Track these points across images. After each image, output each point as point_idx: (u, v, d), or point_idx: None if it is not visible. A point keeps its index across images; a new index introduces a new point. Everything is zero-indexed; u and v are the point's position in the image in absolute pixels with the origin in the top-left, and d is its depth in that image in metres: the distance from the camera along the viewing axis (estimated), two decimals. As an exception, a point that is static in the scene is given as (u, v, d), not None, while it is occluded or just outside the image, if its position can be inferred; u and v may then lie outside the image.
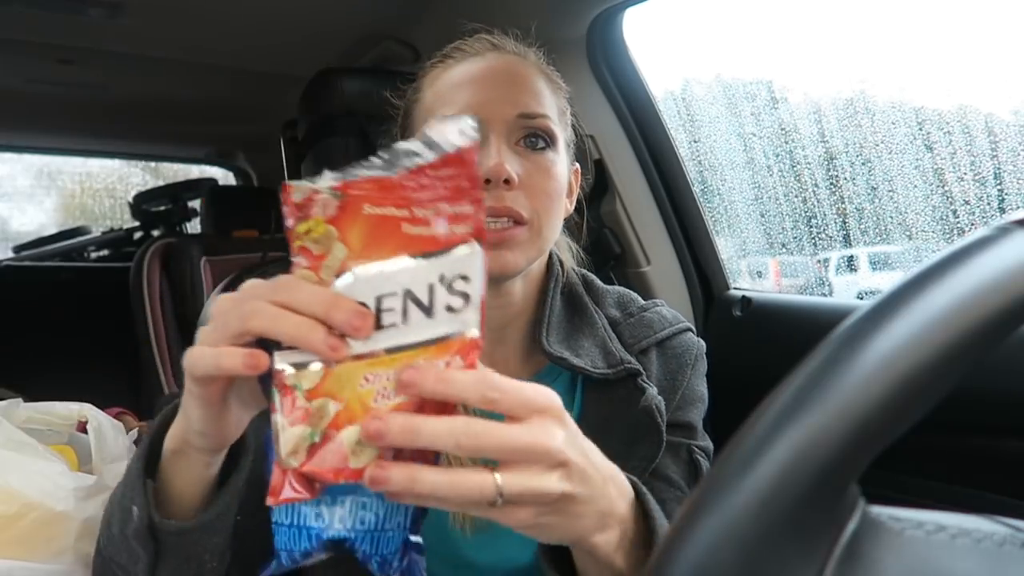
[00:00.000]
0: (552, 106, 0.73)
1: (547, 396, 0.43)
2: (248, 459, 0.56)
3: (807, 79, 1.52)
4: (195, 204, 2.81)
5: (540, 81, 0.73)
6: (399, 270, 0.41)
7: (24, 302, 2.45)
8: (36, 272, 2.71)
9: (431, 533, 0.70)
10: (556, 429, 0.42)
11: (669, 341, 0.79)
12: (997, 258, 0.27)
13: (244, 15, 1.47)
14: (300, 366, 0.41)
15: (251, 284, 0.45)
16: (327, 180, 0.42)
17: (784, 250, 1.56)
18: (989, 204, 1.18)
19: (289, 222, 0.44)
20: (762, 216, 1.56)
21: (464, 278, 0.41)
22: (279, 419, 0.41)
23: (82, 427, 1.02)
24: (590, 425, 0.72)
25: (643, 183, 1.43)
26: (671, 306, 0.84)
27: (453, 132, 0.41)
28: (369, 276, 0.41)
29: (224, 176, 3.09)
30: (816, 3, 1.49)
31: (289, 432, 0.41)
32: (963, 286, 0.26)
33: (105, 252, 2.91)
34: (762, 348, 1.25)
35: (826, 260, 1.60)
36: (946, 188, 1.24)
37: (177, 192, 2.81)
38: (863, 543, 0.26)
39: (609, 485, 0.48)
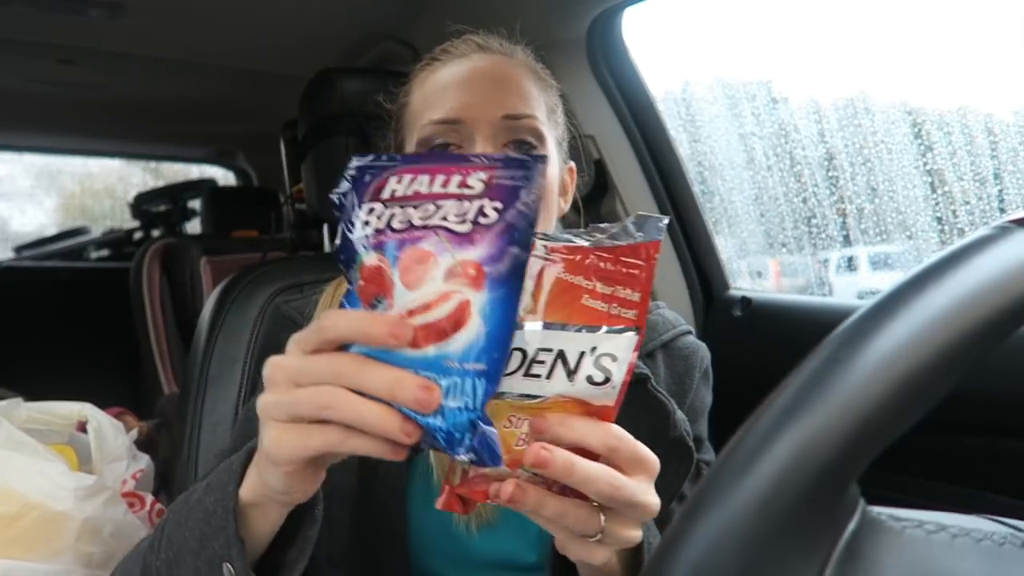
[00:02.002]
0: (540, 105, 0.72)
1: (654, 459, 0.48)
2: (321, 507, 0.54)
3: (807, 79, 1.52)
4: (195, 204, 2.81)
5: (527, 80, 0.73)
6: (562, 333, 0.46)
7: (24, 302, 2.45)
8: (36, 272, 2.71)
9: (434, 531, 0.71)
10: (652, 490, 0.48)
11: (673, 343, 0.79)
12: (997, 258, 0.27)
13: (244, 15, 1.47)
14: None
15: (299, 355, 0.45)
16: (543, 238, 0.47)
17: (784, 250, 1.56)
18: (989, 204, 1.18)
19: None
20: (762, 216, 1.56)
21: (612, 357, 0.45)
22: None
23: (82, 427, 1.02)
24: None
25: (643, 183, 1.43)
26: (671, 306, 0.84)
27: (646, 225, 0.46)
28: (536, 330, 0.46)
29: (224, 176, 3.09)
30: (816, 3, 1.49)
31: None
32: (963, 286, 0.26)
33: (105, 252, 2.92)
34: (762, 348, 1.25)
35: (826, 260, 1.60)
36: (946, 188, 1.24)
37: (177, 192, 2.82)
38: (863, 543, 0.26)
39: None
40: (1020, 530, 0.26)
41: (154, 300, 2.11)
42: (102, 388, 1.44)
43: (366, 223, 0.44)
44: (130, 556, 0.60)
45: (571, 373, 0.45)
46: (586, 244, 0.47)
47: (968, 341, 0.26)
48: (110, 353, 2.36)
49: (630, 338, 0.46)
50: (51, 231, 3.08)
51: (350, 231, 0.45)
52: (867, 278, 1.60)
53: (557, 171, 0.74)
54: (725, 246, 1.50)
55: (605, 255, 0.46)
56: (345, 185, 0.46)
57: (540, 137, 0.71)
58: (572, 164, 0.80)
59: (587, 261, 0.46)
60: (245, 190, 2.89)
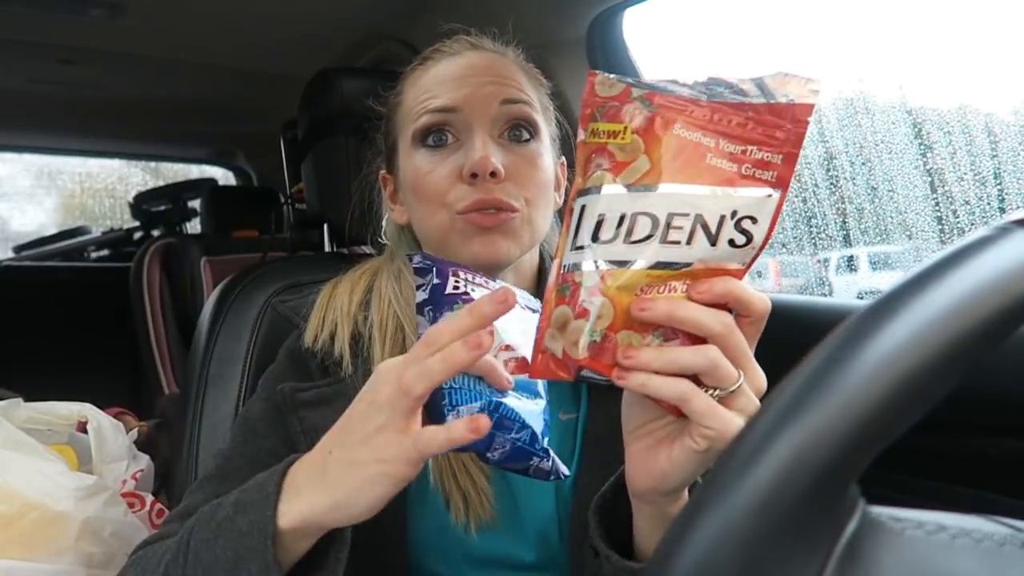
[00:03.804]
0: (534, 99, 0.73)
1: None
2: (350, 530, 0.54)
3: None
4: (195, 204, 2.81)
5: (520, 76, 0.74)
6: (696, 195, 0.43)
7: (24, 302, 2.45)
8: (36, 272, 2.71)
9: (432, 531, 0.71)
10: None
11: None
12: (997, 258, 0.27)
13: (244, 15, 1.47)
14: (575, 267, 0.46)
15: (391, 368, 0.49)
16: (637, 85, 0.45)
17: (784, 250, 1.56)
18: (989, 204, 1.18)
19: (587, 111, 0.45)
20: (762, 216, 1.55)
21: (753, 219, 0.44)
22: (567, 310, 0.46)
23: (82, 427, 1.02)
24: (598, 429, 0.72)
25: (643, 183, 1.43)
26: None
27: (794, 85, 0.43)
28: (667, 194, 0.44)
29: (224, 176, 3.09)
30: (816, 3, 1.49)
31: (574, 324, 0.46)
32: (963, 286, 0.26)
33: (105, 252, 2.91)
34: (762, 348, 1.24)
35: (826, 260, 1.60)
36: (946, 188, 1.24)
37: (177, 192, 2.81)
38: (863, 543, 0.26)
39: None
40: (1020, 530, 0.26)
41: (154, 300, 2.11)
42: (102, 388, 1.44)
43: (456, 286, 0.56)
44: (146, 567, 0.59)
45: (712, 238, 0.44)
46: (702, 97, 0.44)
47: (968, 341, 0.26)
48: (110, 353, 2.36)
49: (771, 199, 0.44)
50: (51, 231, 3.08)
51: (443, 286, 0.56)
52: (867, 278, 1.60)
53: (552, 165, 0.75)
54: (725, 246, 1.50)
55: (731, 112, 0.44)
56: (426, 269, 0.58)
57: (535, 125, 0.72)
58: (564, 160, 0.81)
59: (706, 117, 0.44)
60: (245, 190, 2.89)
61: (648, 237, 0.44)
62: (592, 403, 0.74)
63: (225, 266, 2.10)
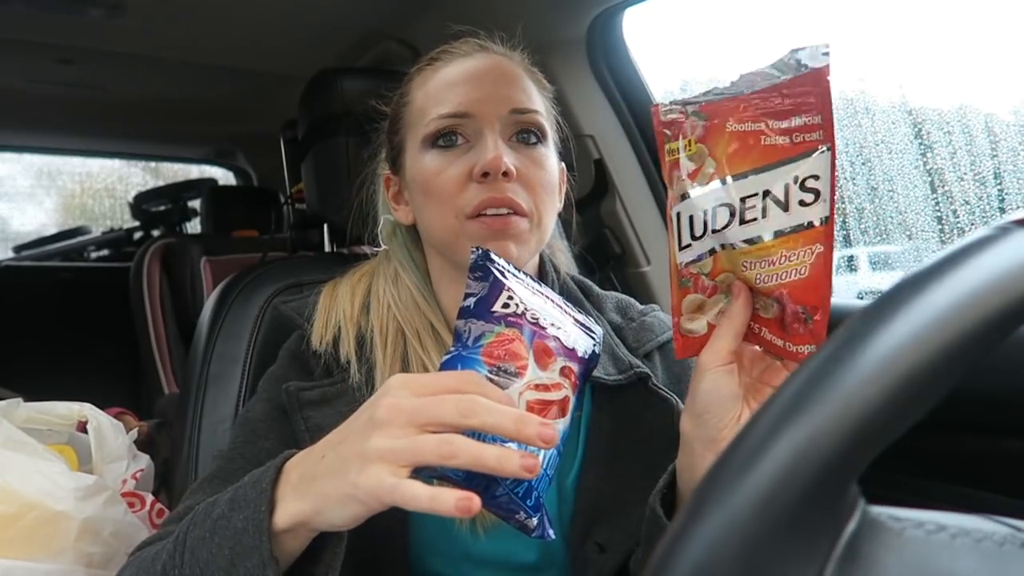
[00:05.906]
0: (540, 106, 0.75)
1: None
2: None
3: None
4: (195, 204, 2.81)
5: (527, 79, 0.75)
6: (760, 176, 0.50)
7: (24, 302, 2.45)
8: (36, 272, 2.71)
9: (433, 531, 0.71)
10: None
11: (670, 344, 0.80)
12: (997, 258, 0.27)
13: (244, 15, 1.47)
14: (694, 262, 0.55)
15: (413, 397, 0.47)
16: (689, 103, 0.53)
17: (784, 250, 1.55)
18: (989, 204, 1.18)
19: (660, 138, 0.54)
20: (762, 216, 1.55)
21: (815, 177, 0.50)
22: (697, 296, 0.56)
23: (82, 427, 1.02)
24: (604, 432, 0.72)
25: (643, 183, 1.43)
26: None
27: (806, 56, 0.50)
28: (734, 183, 0.51)
29: (224, 176, 3.09)
30: (815, 3, 1.49)
31: (711, 300, 0.56)
32: (963, 286, 0.26)
33: (105, 252, 2.91)
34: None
35: (826, 260, 1.60)
36: (946, 188, 1.24)
37: (177, 192, 2.81)
38: (863, 543, 0.26)
39: None
40: (1020, 530, 0.26)
41: (154, 300, 2.11)
42: (102, 388, 1.44)
43: (505, 304, 0.54)
44: (141, 565, 0.58)
45: (784, 206, 0.50)
46: (740, 93, 0.51)
47: (968, 341, 0.26)
48: (110, 353, 2.36)
49: (824, 154, 0.49)
50: (51, 231, 3.08)
51: (492, 302, 0.55)
52: (867, 278, 1.59)
53: (556, 169, 0.76)
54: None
55: (768, 95, 0.50)
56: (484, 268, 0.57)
57: (543, 132, 0.73)
58: (563, 165, 0.81)
59: (749, 107, 0.50)
60: (245, 190, 2.89)
61: (727, 225, 0.51)
62: (595, 403, 0.74)
63: (225, 266, 2.10)
